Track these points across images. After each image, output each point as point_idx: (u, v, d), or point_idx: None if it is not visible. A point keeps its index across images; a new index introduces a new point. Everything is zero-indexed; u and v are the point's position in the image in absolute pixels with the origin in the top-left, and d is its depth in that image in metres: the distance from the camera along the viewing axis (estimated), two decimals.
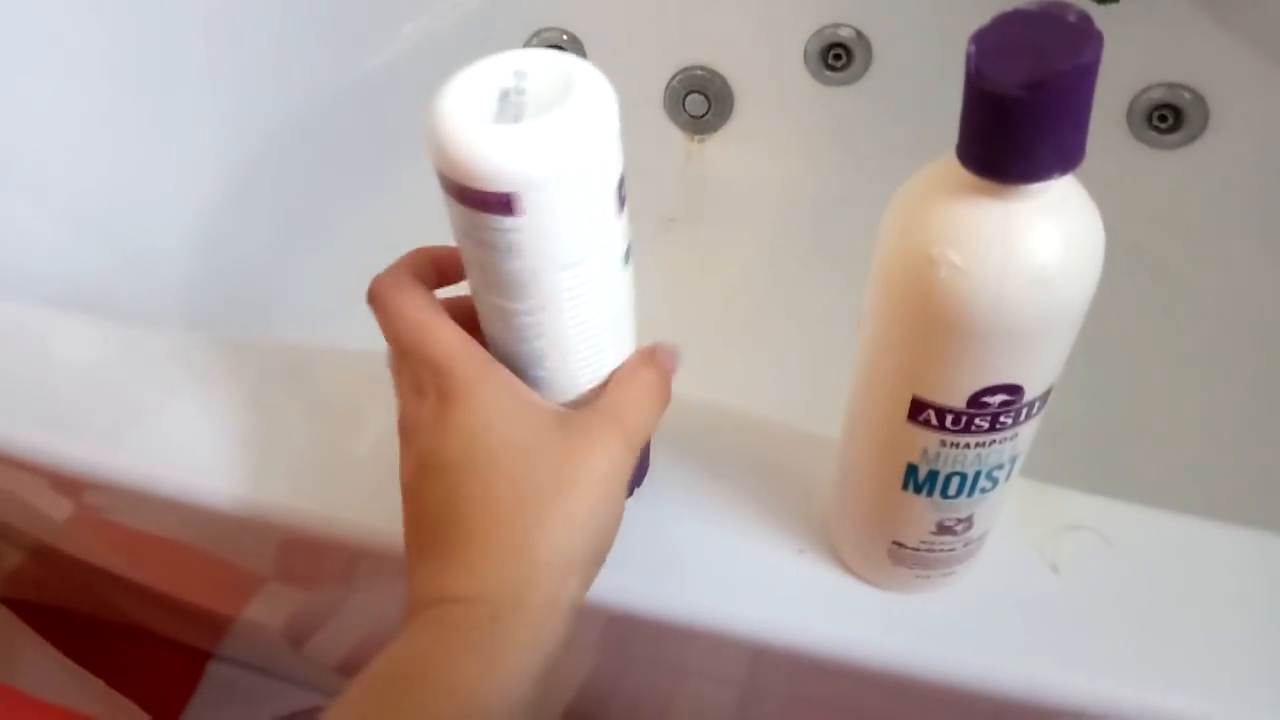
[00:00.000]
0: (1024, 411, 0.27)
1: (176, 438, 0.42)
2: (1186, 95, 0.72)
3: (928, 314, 0.25)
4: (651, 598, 0.35)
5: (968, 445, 0.27)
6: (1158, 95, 0.73)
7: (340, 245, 0.85)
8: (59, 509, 0.54)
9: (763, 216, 0.88)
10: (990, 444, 0.27)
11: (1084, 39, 0.21)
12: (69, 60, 0.66)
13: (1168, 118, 0.73)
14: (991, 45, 0.22)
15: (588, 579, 0.30)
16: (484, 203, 0.26)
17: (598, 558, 0.30)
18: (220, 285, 0.76)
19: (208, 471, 0.41)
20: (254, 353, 0.46)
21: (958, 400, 0.26)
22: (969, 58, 0.22)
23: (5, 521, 0.69)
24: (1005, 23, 0.22)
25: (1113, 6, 0.66)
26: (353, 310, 0.86)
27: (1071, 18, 0.22)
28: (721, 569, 0.35)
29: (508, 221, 0.27)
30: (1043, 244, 0.23)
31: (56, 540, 0.68)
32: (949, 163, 0.24)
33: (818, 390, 0.79)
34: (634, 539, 0.36)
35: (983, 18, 0.22)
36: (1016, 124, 0.22)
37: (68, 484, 0.46)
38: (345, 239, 0.85)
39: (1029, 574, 0.34)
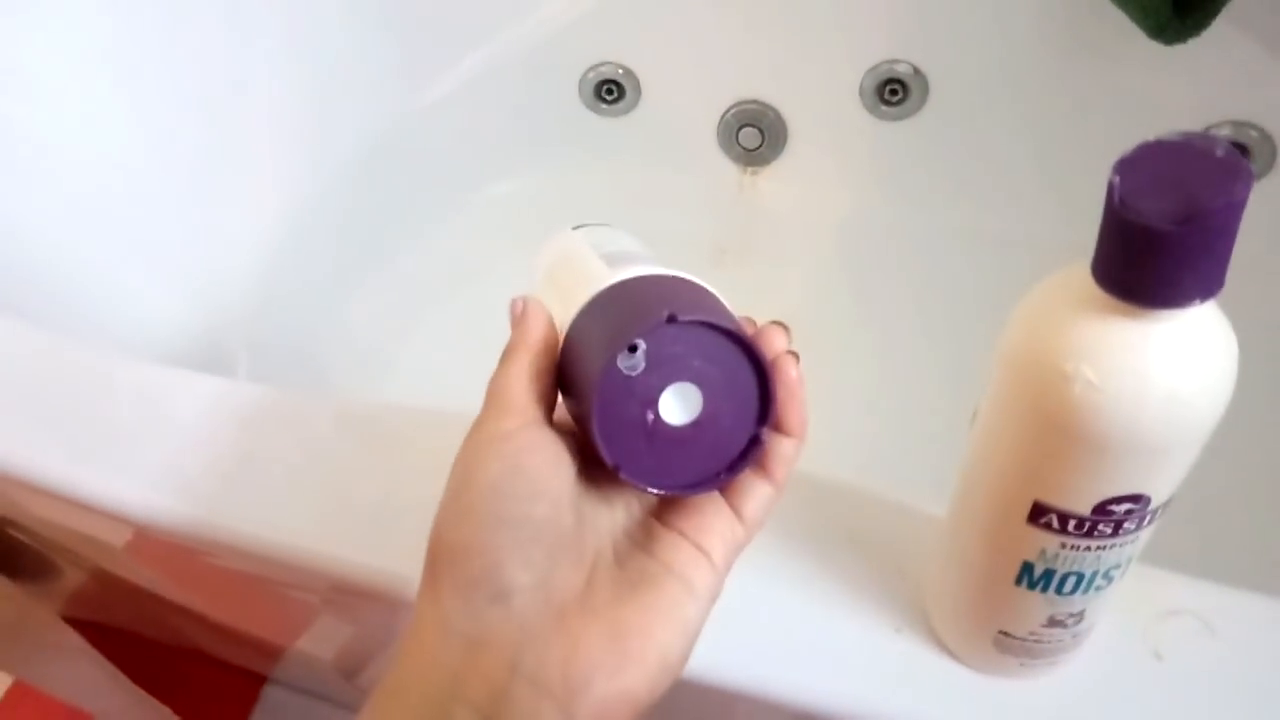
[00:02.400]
0: (1148, 518, 0.27)
1: (237, 484, 0.43)
2: (1253, 134, 0.72)
3: (1058, 426, 0.25)
4: (746, 672, 0.35)
5: (1089, 548, 0.27)
6: (1224, 133, 0.72)
7: (400, 276, 0.86)
8: (117, 541, 0.55)
9: (815, 250, 0.88)
10: (1111, 547, 0.27)
11: (1234, 175, 0.21)
12: (135, 99, 0.68)
13: None
14: (1136, 175, 0.22)
15: None
16: None
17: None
18: (283, 316, 0.77)
19: (264, 519, 0.42)
20: (318, 403, 0.46)
21: (1083, 507, 0.26)
22: (1112, 187, 0.22)
23: (68, 546, 0.70)
24: (1148, 152, 0.22)
25: (1180, 46, 0.66)
26: (410, 342, 0.88)
27: (1220, 152, 0.22)
28: (817, 645, 0.35)
29: None
30: (1180, 366, 0.23)
31: (117, 569, 0.69)
32: (1080, 276, 0.25)
33: (870, 429, 0.80)
34: (719, 607, 0.36)
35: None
36: (1162, 256, 0.22)
37: (125, 522, 0.47)
38: (405, 270, 0.86)
39: (1131, 661, 0.34)
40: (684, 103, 0.86)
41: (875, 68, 0.80)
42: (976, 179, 0.82)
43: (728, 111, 0.85)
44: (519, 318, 0.28)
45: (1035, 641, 0.31)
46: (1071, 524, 0.27)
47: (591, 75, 0.85)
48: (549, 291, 0.31)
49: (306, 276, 0.80)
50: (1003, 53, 0.75)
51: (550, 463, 0.26)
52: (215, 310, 0.74)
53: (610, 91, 0.86)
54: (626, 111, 0.87)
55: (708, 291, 0.28)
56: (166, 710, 0.82)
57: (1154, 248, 0.22)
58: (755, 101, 0.85)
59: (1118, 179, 0.22)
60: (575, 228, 0.34)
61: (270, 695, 0.88)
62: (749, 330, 0.27)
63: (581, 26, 0.83)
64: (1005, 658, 0.32)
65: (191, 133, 0.71)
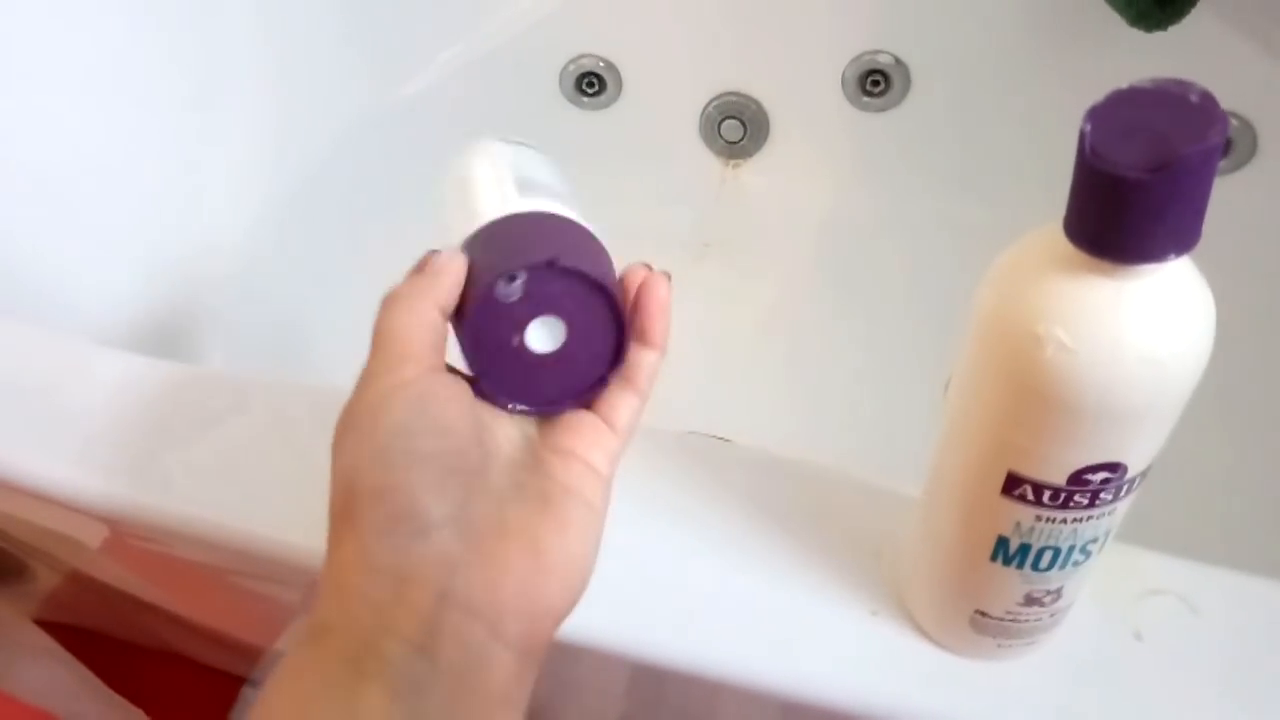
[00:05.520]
0: (1125, 488, 0.26)
1: (213, 474, 0.42)
2: (1234, 122, 0.71)
3: (1031, 391, 0.24)
4: (719, 657, 0.34)
5: (1064, 521, 0.27)
6: None
7: (380, 269, 0.85)
8: (93, 541, 0.54)
9: (798, 242, 0.88)
10: (1087, 519, 0.27)
11: (1208, 120, 0.20)
12: (113, 87, 0.66)
13: None
14: (1108, 124, 0.21)
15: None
16: None
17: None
18: (260, 309, 0.76)
19: (240, 511, 0.40)
20: (293, 390, 0.45)
21: (1057, 477, 0.25)
22: (1083, 136, 0.21)
23: (41, 547, 0.69)
24: (1120, 100, 0.21)
25: (1159, 34, 0.66)
26: None
27: (1194, 97, 0.21)
28: (792, 629, 0.35)
29: None
30: (1156, 325, 0.23)
31: (91, 569, 0.68)
32: (1051, 235, 0.24)
33: (855, 416, 0.79)
34: (695, 593, 0.36)
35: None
36: (1135, 206, 0.21)
37: (102, 518, 0.46)
38: (385, 263, 0.85)
39: (1111, 641, 0.33)
40: (666, 95, 0.85)
41: (857, 58, 0.79)
42: (959, 169, 0.81)
43: (710, 104, 0.85)
44: (436, 269, 0.28)
45: (1012, 621, 0.30)
46: (1046, 495, 0.26)
47: (572, 68, 0.84)
48: (456, 196, 0.32)
49: (284, 270, 0.78)
50: (984, 43, 0.75)
51: (453, 400, 0.27)
52: (191, 302, 0.73)
53: (591, 84, 0.85)
54: (608, 104, 0.86)
55: (593, 239, 0.30)
56: (141, 714, 0.81)
57: (1126, 198, 0.21)
58: (737, 94, 0.84)
59: (1088, 127, 0.21)
60: (503, 140, 0.34)
61: (250, 697, 0.86)
62: (618, 275, 0.30)
63: (562, 18, 0.82)
64: (982, 638, 0.32)
65: (165, 125, 0.70)
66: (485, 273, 0.28)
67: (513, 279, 0.27)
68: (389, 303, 0.28)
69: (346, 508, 0.26)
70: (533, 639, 0.26)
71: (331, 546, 0.26)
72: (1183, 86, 0.21)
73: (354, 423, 0.26)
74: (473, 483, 0.26)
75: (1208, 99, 0.21)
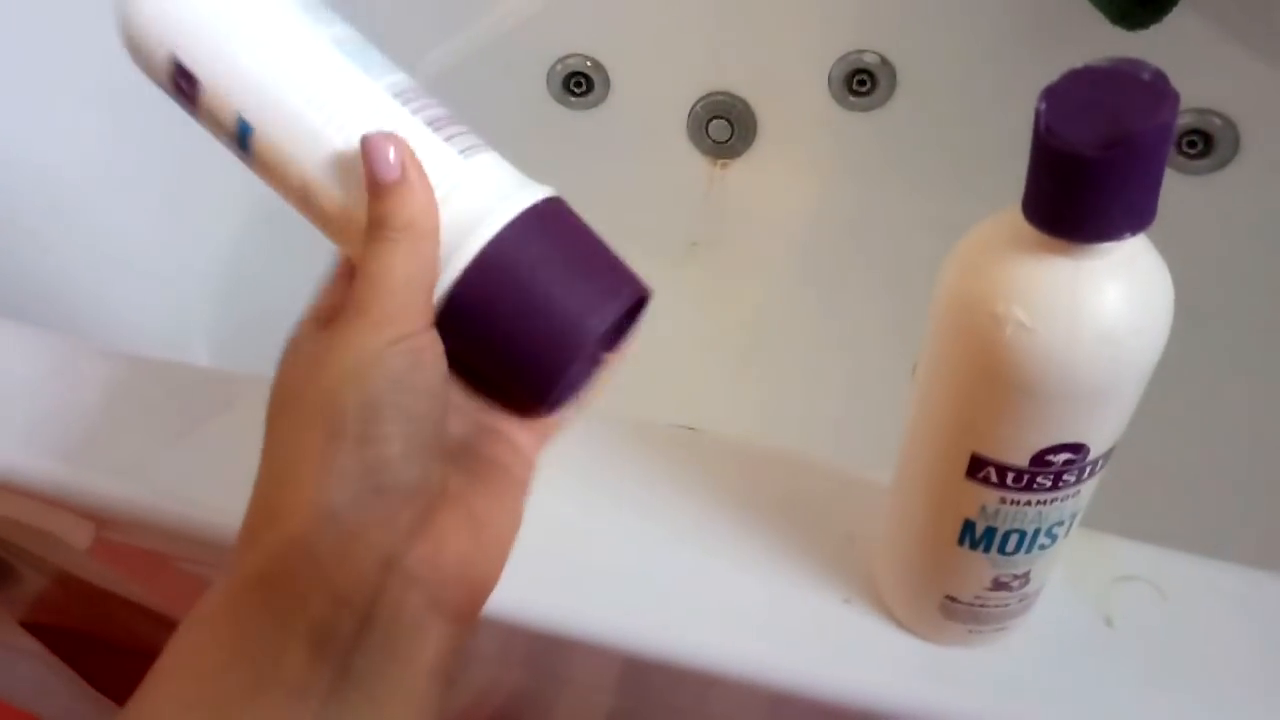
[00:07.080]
0: (1087, 470, 0.26)
1: (200, 472, 0.41)
2: (1217, 121, 0.72)
3: (991, 372, 0.24)
4: (691, 645, 0.34)
5: (1028, 503, 0.27)
6: (1187, 121, 0.72)
7: None
8: (81, 542, 0.54)
9: (785, 242, 0.88)
10: (1051, 502, 0.27)
11: (1160, 98, 0.21)
12: (100, 92, 0.67)
13: (1197, 144, 0.73)
14: (1062, 103, 0.21)
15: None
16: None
17: None
18: (246, 315, 0.76)
19: (227, 509, 0.40)
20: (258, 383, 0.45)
21: (1020, 459, 0.25)
22: (1039, 115, 0.21)
23: (28, 549, 0.69)
24: (1075, 79, 0.22)
25: (1142, 32, 0.66)
26: None
27: (1146, 76, 0.21)
28: (765, 617, 0.35)
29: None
30: (1113, 303, 0.23)
31: (79, 570, 0.68)
32: (1011, 216, 0.24)
33: (841, 416, 0.79)
34: (668, 582, 0.36)
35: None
36: (1090, 184, 0.21)
37: (90, 516, 0.46)
38: None
39: (1082, 627, 0.33)
40: (653, 95, 0.85)
41: (843, 58, 0.79)
42: (946, 169, 0.81)
43: (697, 103, 0.85)
44: (399, 184, 0.25)
45: (981, 606, 0.30)
46: (1010, 477, 0.26)
47: (560, 68, 0.85)
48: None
49: (273, 272, 0.78)
50: (969, 42, 0.75)
51: (441, 361, 0.26)
52: (176, 306, 0.73)
53: (579, 84, 0.85)
54: (596, 104, 0.86)
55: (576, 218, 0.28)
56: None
57: (1081, 176, 0.21)
58: (724, 93, 0.84)
59: (1043, 106, 0.21)
60: None
61: None
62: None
63: (549, 18, 0.82)
64: (953, 624, 0.32)
65: (155, 125, 0.70)
66: (577, 311, 0.25)
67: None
68: (389, 245, 0.25)
69: (317, 443, 0.24)
70: (468, 610, 0.25)
71: (294, 476, 0.24)
72: (1135, 66, 0.21)
73: (338, 360, 0.25)
74: (438, 450, 0.26)
75: (1159, 77, 0.21)
